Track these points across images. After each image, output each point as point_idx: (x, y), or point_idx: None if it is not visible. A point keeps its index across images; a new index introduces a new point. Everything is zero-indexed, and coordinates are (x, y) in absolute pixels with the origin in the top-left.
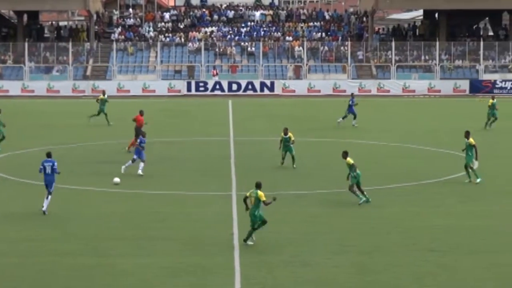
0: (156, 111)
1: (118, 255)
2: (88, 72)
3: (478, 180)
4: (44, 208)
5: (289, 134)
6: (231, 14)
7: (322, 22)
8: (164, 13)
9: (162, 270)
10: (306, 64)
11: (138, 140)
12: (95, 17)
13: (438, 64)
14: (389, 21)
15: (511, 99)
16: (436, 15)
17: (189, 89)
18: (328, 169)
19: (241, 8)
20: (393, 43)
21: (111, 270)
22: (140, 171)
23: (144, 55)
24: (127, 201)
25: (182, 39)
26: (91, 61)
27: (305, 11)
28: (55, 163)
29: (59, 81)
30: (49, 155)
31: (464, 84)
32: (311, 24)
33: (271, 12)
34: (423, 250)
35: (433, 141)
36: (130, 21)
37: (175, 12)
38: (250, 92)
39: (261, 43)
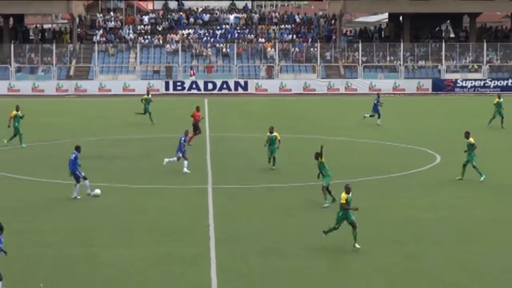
0: (135, 109)
1: (100, 246)
2: (71, 72)
3: (482, 178)
4: (88, 191)
5: (275, 133)
6: (206, 17)
7: (293, 25)
8: (144, 17)
9: (141, 260)
10: (278, 65)
11: (182, 139)
12: (77, 20)
13: (403, 65)
14: (356, 24)
15: (471, 98)
16: (401, 18)
17: (167, 88)
18: (300, 164)
19: (216, 11)
20: (360, 45)
21: (94, 260)
22: (185, 169)
23: (124, 56)
24: (110, 195)
25: (161, 41)
26: (74, 61)
27: (277, 14)
28: (73, 155)
29: (44, 81)
30: (75, 148)
31: (427, 83)
32: (282, 26)
33: (244, 15)
34: (390, 241)
35: (398, 136)
36: (111, 24)
37: (153, 15)
38: (225, 91)
39: (235, 45)
